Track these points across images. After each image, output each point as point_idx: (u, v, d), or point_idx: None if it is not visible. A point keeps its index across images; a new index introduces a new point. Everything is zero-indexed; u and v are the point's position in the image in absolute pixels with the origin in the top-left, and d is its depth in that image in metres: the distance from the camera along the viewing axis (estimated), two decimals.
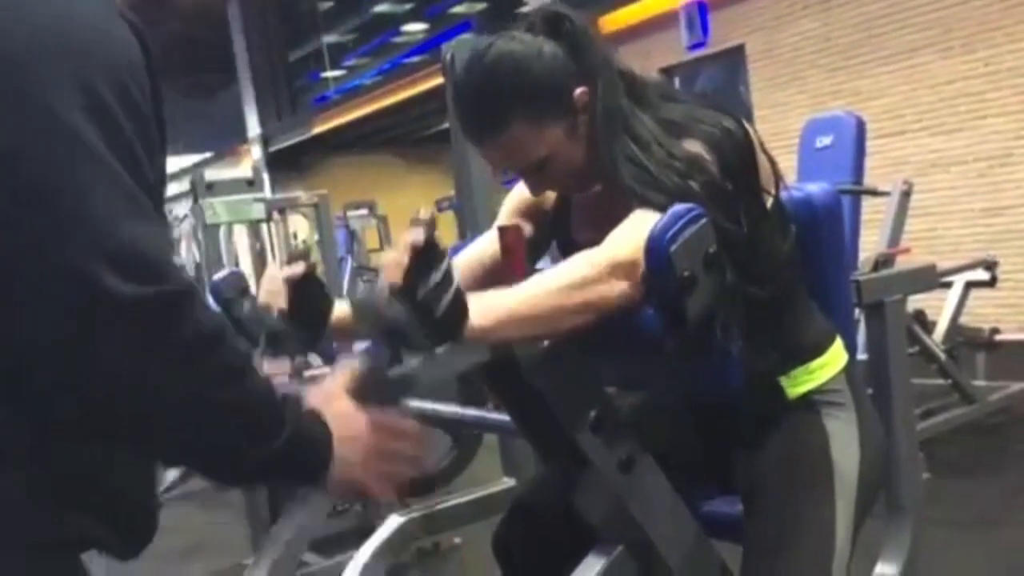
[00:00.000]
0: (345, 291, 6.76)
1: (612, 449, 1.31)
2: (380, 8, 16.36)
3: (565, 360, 1.26)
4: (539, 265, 1.62)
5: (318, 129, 15.57)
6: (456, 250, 1.66)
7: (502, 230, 1.42)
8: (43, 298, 0.86)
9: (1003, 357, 4.87)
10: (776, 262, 1.41)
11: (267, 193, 7.87)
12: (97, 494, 0.99)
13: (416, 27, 16.56)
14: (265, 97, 17.21)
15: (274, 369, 1.18)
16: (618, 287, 1.24)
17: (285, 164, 16.27)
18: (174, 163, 17.96)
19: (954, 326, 4.59)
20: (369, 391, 1.11)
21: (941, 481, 3.60)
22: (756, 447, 1.47)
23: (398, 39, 16.92)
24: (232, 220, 5.63)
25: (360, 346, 1.45)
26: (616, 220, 1.31)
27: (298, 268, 1.30)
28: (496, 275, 1.44)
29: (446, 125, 3.75)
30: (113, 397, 0.90)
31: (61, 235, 0.85)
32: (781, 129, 6.80)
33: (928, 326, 4.46)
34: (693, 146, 1.35)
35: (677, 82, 8.91)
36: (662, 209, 1.26)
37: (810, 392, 1.46)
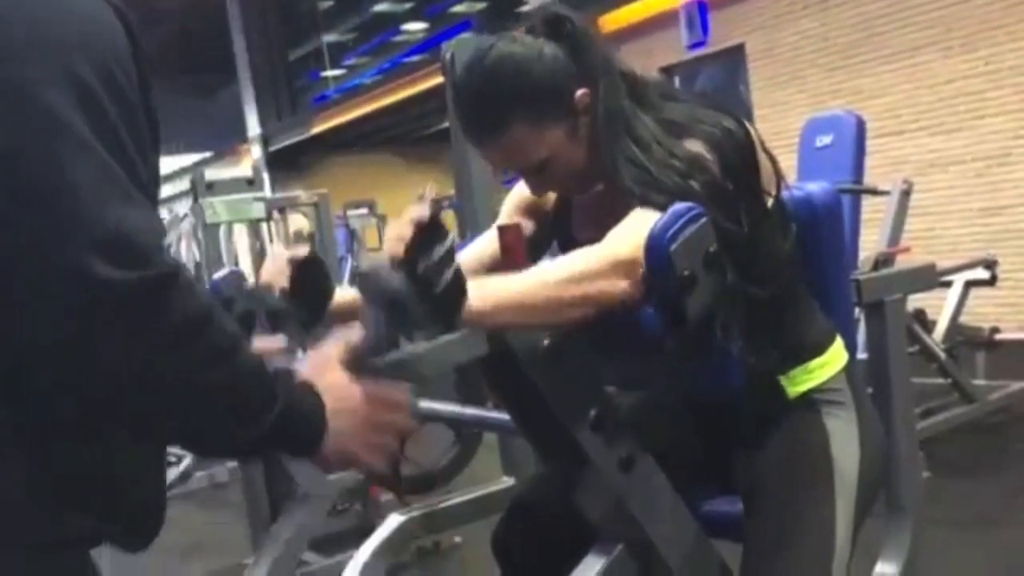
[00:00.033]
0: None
1: (612, 448, 1.31)
2: (380, 7, 16.37)
3: (565, 359, 1.26)
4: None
5: (318, 128, 15.57)
6: (456, 249, 1.66)
7: (502, 229, 1.42)
8: (43, 297, 0.86)
9: (1003, 356, 4.86)
10: (777, 261, 1.41)
11: (267, 192, 7.88)
12: (100, 493, 0.99)
13: (416, 26, 16.57)
14: (265, 96, 17.21)
15: (268, 344, 1.18)
16: (618, 284, 1.24)
17: (285, 163, 16.27)
18: (174, 162, 18.00)
19: (954, 325, 4.59)
20: (364, 362, 1.11)
21: (941, 480, 3.60)
22: (756, 446, 1.47)
23: (398, 38, 16.93)
24: (232, 219, 5.63)
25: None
26: (617, 219, 1.31)
27: (302, 249, 1.30)
28: (496, 274, 1.44)
29: (446, 124, 3.75)
30: (107, 385, 0.91)
31: (59, 234, 0.85)
32: (781, 128, 6.79)
33: (928, 325, 4.46)
34: (694, 146, 1.35)
35: (677, 81, 8.91)
36: (663, 208, 1.26)
37: (810, 391, 1.46)
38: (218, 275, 1.53)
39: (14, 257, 0.86)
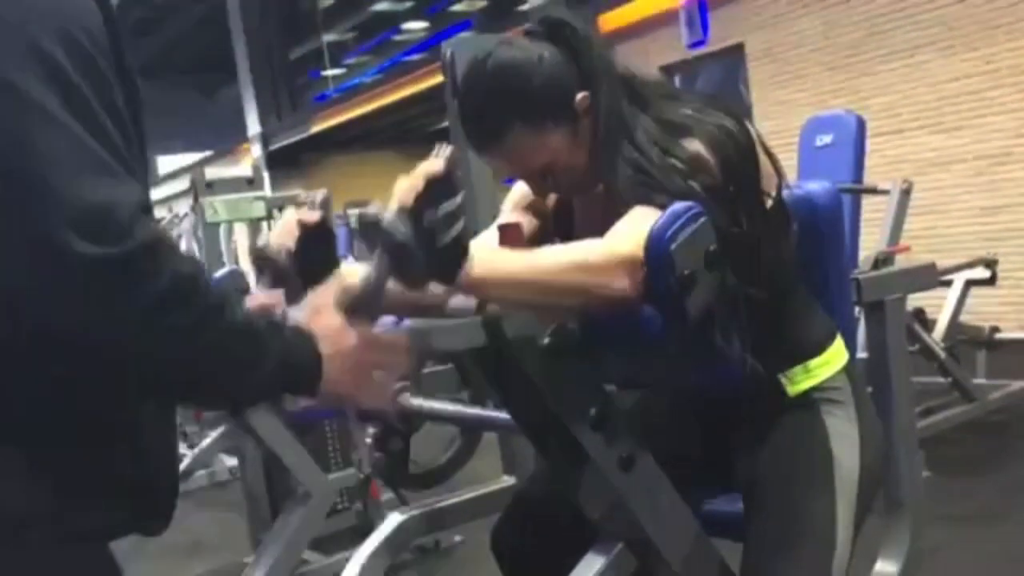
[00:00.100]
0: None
1: (612, 447, 1.31)
2: (380, 6, 16.37)
3: (565, 358, 1.26)
4: None
5: (318, 127, 15.57)
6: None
7: (502, 229, 1.43)
8: (27, 276, 0.87)
9: (1003, 355, 4.86)
10: (777, 261, 1.41)
11: (267, 191, 7.87)
12: (122, 483, 1.01)
13: (416, 25, 16.58)
14: (265, 96, 17.20)
15: (265, 298, 1.18)
16: (617, 281, 1.24)
17: (285, 162, 16.27)
18: (174, 162, 18.00)
19: (954, 324, 4.59)
20: (361, 306, 1.11)
21: (941, 479, 3.60)
22: (756, 445, 1.47)
23: (398, 37, 16.94)
24: (232, 218, 5.63)
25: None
26: (618, 219, 1.32)
27: (314, 215, 1.30)
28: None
29: (446, 123, 3.75)
30: (101, 356, 0.92)
31: (36, 212, 0.86)
32: (781, 128, 6.79)
33: (928, 324, 4.45)
34: (694, 146, 1.35)
35: (677, 81, 8.92)
36: (663, 208, 1.27)
37: (810, 390, 1.46)
38: (218, 274, 1.52)
39: None
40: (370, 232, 1.14)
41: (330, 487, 3.29)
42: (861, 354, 1.79)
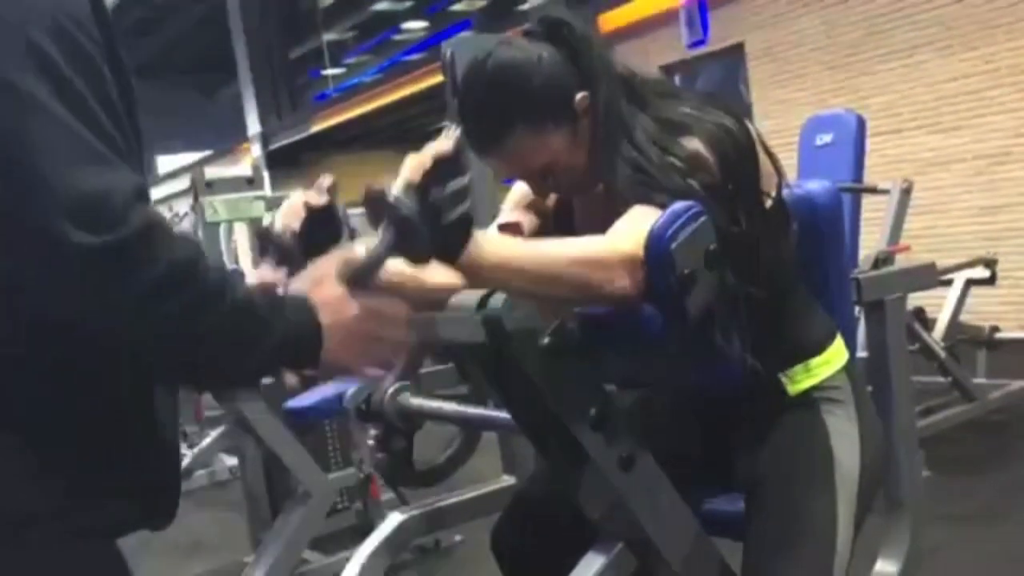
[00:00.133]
0: None
1: (612, 447, 1.31)
2: (380, 6, 16.37)
3: (566, 357, 1.26)
4: None
5: (318, 127, 15.56)
6: None
7: (502, 228, 1.43)
8: (27, 267, 0.88)
9: (1003, 355, 4.86)
10: (777, 260, 1.41)
11: (267, 191, 7.86)
12: (133, 479, 1.01)
13: (416, 25, 16.57)
14: (265, 95, 17.20)
15: (267, 275, 1.18)
16: (617, 280, 1.24)
17: (285, 162, 16.27)
18: (174, 161, 18.00)
19: (954, 324, 4.59)
20: (363, 277, 1.11)
21: (941, 479, 3.60)
22: (757, 445, 1.47)
23: (398, 37, 16.93)
24: (232, 218, 5.63)
25: None
26: (618, 218, 1.32)
27: (321, 197, 1.30)
28: None
29: (446, 123, 3.74)
30: (103, 342, 0.93)
31: (32, 204, 0.86)
32: (781, 127, 6.79)
33: (928, 324, 4.45)
34: (693, 144, 1.35)
35: (677, 80, 8.91)
36: (662, 207, 1.27)
37: (810, 389, 1.46)
38: None
39: None
40: (376, 206, 1.14)
41: (330, 487, 3.29)
42: (861, 353, 1.79)
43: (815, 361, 1.47)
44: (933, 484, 3.37)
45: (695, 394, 1.57)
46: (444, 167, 1.13)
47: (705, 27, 8.49)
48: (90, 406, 0.97)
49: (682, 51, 8.72)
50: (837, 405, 1.47)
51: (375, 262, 1.12)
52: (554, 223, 1.62)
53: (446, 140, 1.16)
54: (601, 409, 1.30)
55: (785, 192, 1.45)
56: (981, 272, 4.70)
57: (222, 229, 5.85)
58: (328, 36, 17.17)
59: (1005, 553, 3.15)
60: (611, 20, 9.33)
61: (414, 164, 1.14)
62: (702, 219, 1.25)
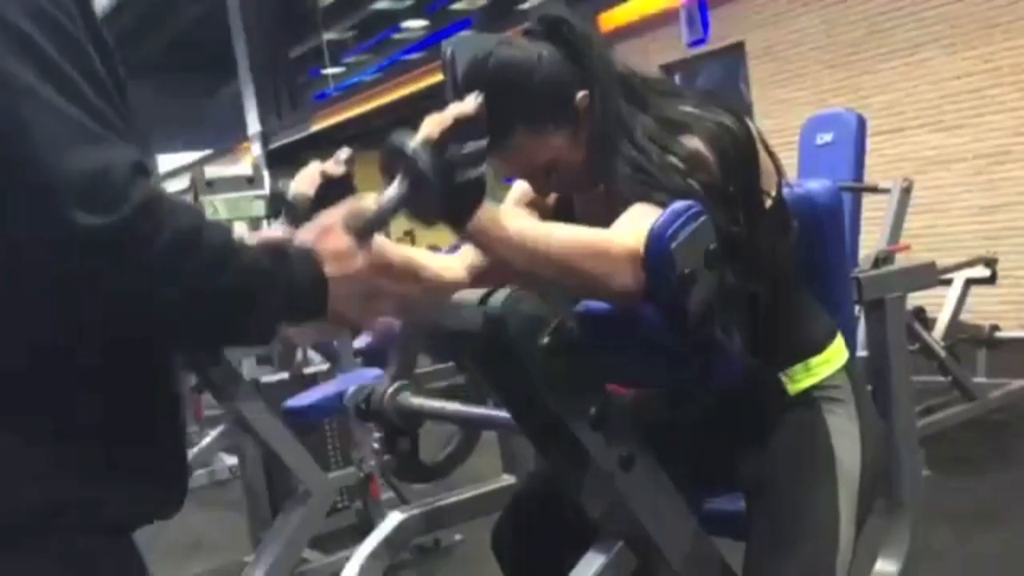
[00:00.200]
0: None
1: (613, 446, 1.31)
2: (380, 5, 16.35)
3: (566, 356, 1.26)
4: None
5: (318, 126, 15.56)
6: (454, 248, 1.66)
7: None
8: (38, 258, 0.88)
9: (1003, 354, 4.86)
10: (777, 259, 1.41)
11: (267, 190, 7.86)
12: (151, 460, 1.03)
13: (416, 24, 16.55)
14: (265, 94, 17.20)
15: (274, 234, 1.18)
16: (619, 276, 1.24)
17: (285, 161, 16.26)
18: (174, 160, 17.99)
19: (954, 323, 4.59)
20: (371, 230, 1.10)
21: (941, 478, 3.61)
22: (757, 444, 1.47)
23: (398, 36, 16.91)
24: (232, 217, 5.63)
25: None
26: (618, 217, 1.31)
27: (338, 168, 1.30)
28: (495, 271, 1.44)
29: None
30: (118, 318, 0.93)
31: (34, 192, 0.86)
32: (781, 126, 6.79)
33: (928, 323, 4.45)
34: (693, 143, 1.35)
35: (677, 79, 8.91)
36: (662, 205, 1.26)
37: (811, 389, 1.46)
38: None
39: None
40: (392, 157, 1.13)
41: (330, 486, 3.29)
42: (861, 352, 1.79)
43: (815, 360, 1.47)
44: (933, 483, 3.37)
45: (695, 393, 1.57)
46: (464, 128, 1.13)
47: (705, 26, 8.49)
48: (115, 387, 0.98)
49: (682, 50, 8.73)
50: (838, 404, 1.47)
51: (385, 215, 1.12)
52: (555, 219, 1.62)
53: (468, 103, 1.15)
54: (601, 409, 1.29)
55: (785, 191, 1.45)
56: (981, 271, 4.70)
57: None
58: (328, 35, 17.17)
59: (1005, 553, 3.15)
60: (611, 19, 9.32)
61: (434, 121, 1.13)
62: (702, 218, 1.25)
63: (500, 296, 1.20)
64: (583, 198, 1.57)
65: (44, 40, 0.89)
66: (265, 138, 16.82)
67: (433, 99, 1.17)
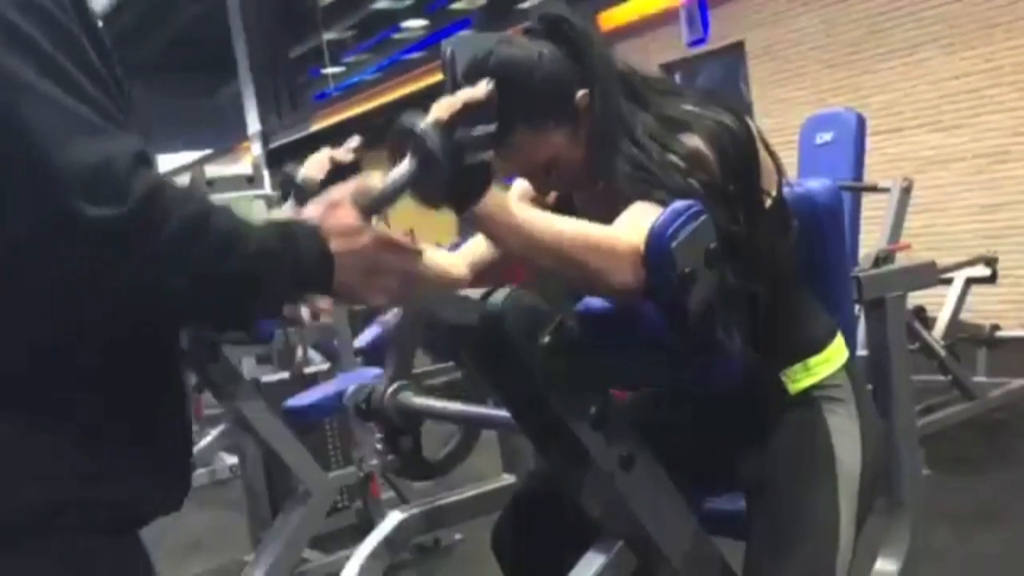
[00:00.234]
0: None
1: (613, 446, 1.31)
2: (380, 4, 16.35)
3: (566, 355, 1.26)
4: None
5: (318, 126, 15.56)
6: (456, 247, 1.66)
7: None
8: (33, 247, 0.88)
9: (1003, 353, 4.86)
10: (777, 258, 1.41)
11: (267, 190, 7.86)
12: (167, 459, 1.03)
13: (416, 23, 16.55)
14: (265, 94, 17.20)
15: (290, 213, 1.19)
16: (620, 273, 1.23)
17: (285, 161, 16.27)
18: (174, 160, 18.00)
19: (954, 322, 4.58)
20: (378, 208, 1.10)
21: (941, 477, 3.61)
22: (757, 443, 1.47)
23: (398, 35, 16.91)
24: None
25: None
26: (619, 215, 1.31)
27: (348, 155, 1.30)
28: (495, 270, 1.44)
29: None
30: (129, 307, 0.94)
31: (39, 187, 0.85)
32: (781, 125, 6.79)
33: (928, 322, 4.45)
34: (693, 141, 1.35)
35: (677, 78, 8.91)
36: (662, 204, 1.26)
37: (811, 388, 1.46)
38: None
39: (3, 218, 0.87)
40: (401, 137, 1.13)
41: (330, 485, 3.29)
42: (861, 352, 1.79)
43: (815, 360, 1.47)
44: (933, 483, 3.37)
45: (695, 393, 1.57)
46: (474, 112, 1.13)
47: (705, 25, 8.49)
48: (115, 387, 0.98)
49: (682, 49, 8.72)
50: (838, 403, 1.47)
51: (392, 192, 1.12)
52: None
53: (479, 88, 1.16)
54: (601, 408, 1.29)
55: (785, 190, 1.45)
56: (981, 270, 4.70)
57: None
58: (328, 35, 17.17)
59: (1005, 552, 3.15)
60: (611, 18, 9.32)
61: (445, 103, 1.14)
62: (702, 218, 1.25)
63: (501, 293, 1.20)
64: (583, 196, 1.57)
65: (38, 33, 0.89)
66: (265, 138, 16.82)
67: (433, 99, 1.17)
